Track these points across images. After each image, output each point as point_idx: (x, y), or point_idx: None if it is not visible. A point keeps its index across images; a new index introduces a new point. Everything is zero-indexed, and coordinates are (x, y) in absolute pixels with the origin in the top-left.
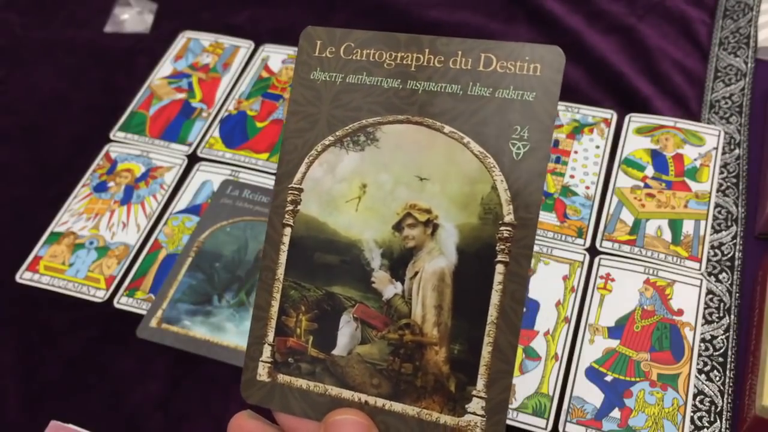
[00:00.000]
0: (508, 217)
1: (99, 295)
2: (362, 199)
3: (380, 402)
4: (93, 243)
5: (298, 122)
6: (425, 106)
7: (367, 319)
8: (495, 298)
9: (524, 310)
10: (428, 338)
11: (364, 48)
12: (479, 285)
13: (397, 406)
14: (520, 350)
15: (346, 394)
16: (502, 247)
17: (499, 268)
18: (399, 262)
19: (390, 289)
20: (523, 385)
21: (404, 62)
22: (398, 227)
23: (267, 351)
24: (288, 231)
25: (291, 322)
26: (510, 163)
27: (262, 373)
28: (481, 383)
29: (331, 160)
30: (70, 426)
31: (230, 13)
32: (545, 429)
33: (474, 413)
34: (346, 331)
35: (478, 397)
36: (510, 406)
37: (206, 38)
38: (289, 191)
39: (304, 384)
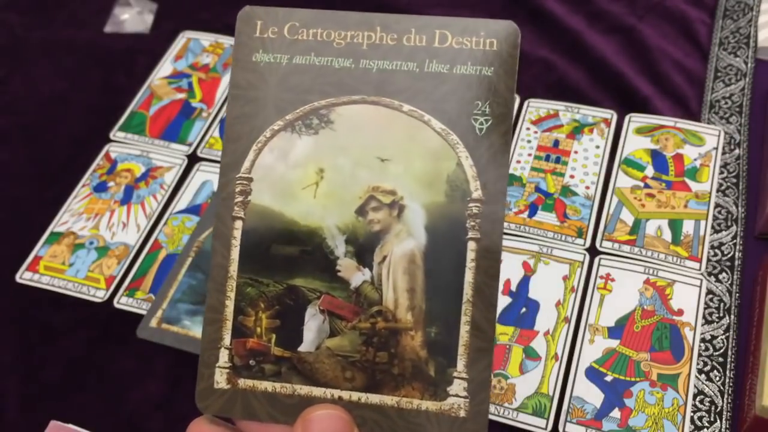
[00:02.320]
0: (476, 193)
1: (99, 295)
2: (320, 185)
3: (355, 396)
4: (93, 243)
5: (241, 107)
6: (381, 85)
7: (334, 310)
8: (469, 275)
9: (498, 285)
10: (402, 323)
11: (311, 27)
12: (451, 264)
13: (374, 398)
14: (520, 350)
15: (317, 391)
16: (473, 223)
17: (471, 245)
18: (365, 247)
19: (358, 276)
20: (523, 385)
21: (355, 41)
22: (361, 211)
23: (224, 355)
24: (239, 224)
25: (249, 321)
26: (474, 139)
27: (220, 379)
28: (461, 364)
29: (282, 145)
30: (70, 426)
31: (230, 13)
32: (545, 429)
33: (456, 395)
34: (313, 324)
35: (459, 378)
36: (510, 405)
37: (206, 38)
38: (237, 181)
39: (269, 386)
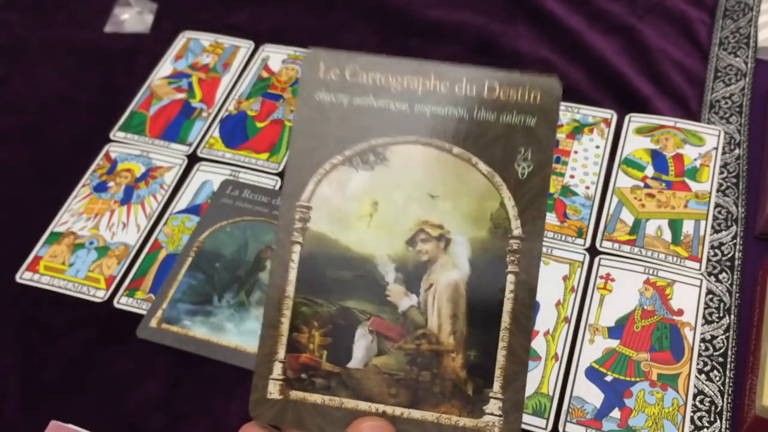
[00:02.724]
0: (517, 231)
1: (99, 295)
2: (374, 217)
3: (398, 411)
4: (93, 243)
5: (304, 141)
6: (434, 128)
7: (383, 331)
8: (507, 305)
9: (534, 315)
10: (445, 346)
11: (370, 72)
12: (492, 294)
13: (416, 413)
14: None
15: (363, 405)
16: (512, 258)
17: (510, 278)
18: (413, 275)
19: (405, 301)
20: None
21: (411, 87)
22: (412, 242)
23: (278, 368)
24: (297, 248)
25: (303, 338)
26: (516, 182)
27: (273, 390)
28: (497, 385)
29: (340, 178)
30: (70, 426)
31: (230, 13)
32: (545, 429)
33: (492, 413)
34: (362, 343)
35: (495, 398)
36: None
37: (206, 38)
38: (298, 209)
39: (318, 399)
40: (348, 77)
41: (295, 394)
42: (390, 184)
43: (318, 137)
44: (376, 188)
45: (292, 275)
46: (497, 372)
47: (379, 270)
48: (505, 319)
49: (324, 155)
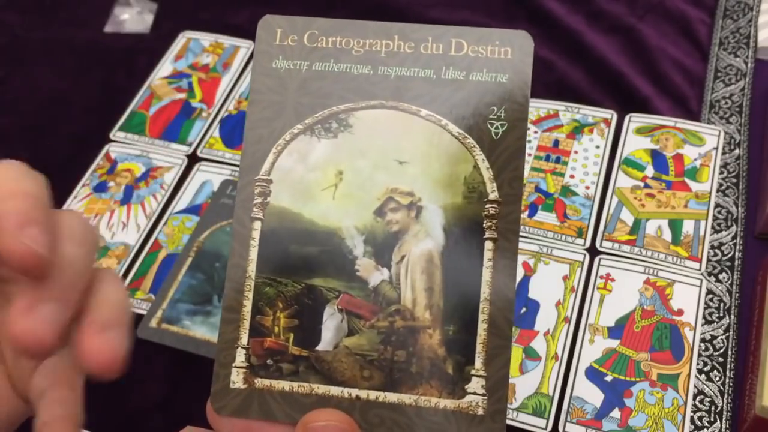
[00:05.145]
0: (493, 195)
1: None
2: (339, 187)
3: (373, 395)
4: None
5: (261, 111)
6: (399, 91)
7: (353, 309)
8: (486, 274)
9: (515, 284)
10: (421, 322)
11: (330, 35)
12: (469, 263)
13: (392, 397)
14: (520, 350)
15: (335, 390)
16: (489, 224)
17: (488, 245)
18: (383, 247)
19: (376, 275)
20: (523, 385)
21: (373, 49)
22: (380, 212)
23: (241, 355)
24: (258, 225)
25: (267, 321)
26: (490, 143)
27: (237, 379)
28: (479, 361)
29: (301, 148)
30: None
31: (230, 13)
32: (545, 429)
33: (474, 393)
34: (331, 324)
35: (477, 375)
36: (510, 406)
37: (206, 38)
38: (257, 183)
39: (286, 386)
40: (306, 42)
41: (261, 382)
42: (355, 151)
43: (276, 106)
44: (340, 157)
45: (253, 254)
46: (478, 347)
47: (346, 243)
48: (485, 290)
49: (283, 125)
